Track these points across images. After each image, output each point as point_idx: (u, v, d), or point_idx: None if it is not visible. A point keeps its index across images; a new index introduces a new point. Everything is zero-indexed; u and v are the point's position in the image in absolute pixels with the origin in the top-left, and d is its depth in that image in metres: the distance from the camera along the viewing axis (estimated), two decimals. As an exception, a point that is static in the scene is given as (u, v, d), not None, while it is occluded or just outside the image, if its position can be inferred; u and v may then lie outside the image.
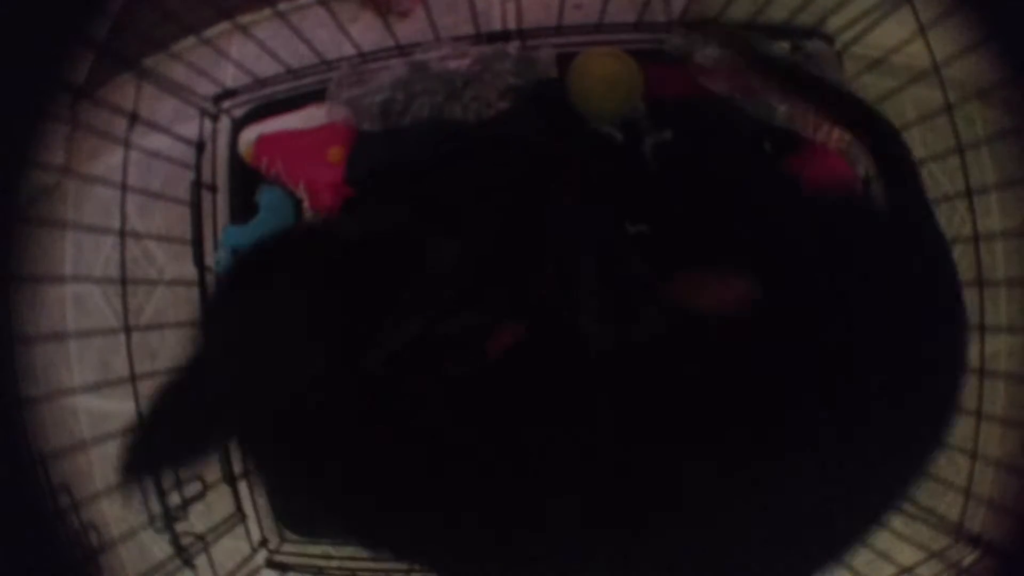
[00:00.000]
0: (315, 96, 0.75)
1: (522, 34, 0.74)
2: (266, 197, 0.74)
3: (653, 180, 0.72)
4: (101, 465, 0.67)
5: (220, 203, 0.75)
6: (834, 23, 0.73)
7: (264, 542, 0.73)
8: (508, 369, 0.49)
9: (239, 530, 0.70)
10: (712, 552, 0.47)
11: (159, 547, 0.61)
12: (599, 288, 0.54)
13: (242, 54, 0.74)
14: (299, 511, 0.74)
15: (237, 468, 0.71)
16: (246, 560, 0.69)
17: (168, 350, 0.75)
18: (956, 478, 0.64)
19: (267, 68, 0.73)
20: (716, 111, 0.73)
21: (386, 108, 0.71)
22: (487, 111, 0.71)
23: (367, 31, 0.74)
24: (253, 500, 0.73)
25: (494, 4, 0.76)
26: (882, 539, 0.63)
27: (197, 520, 0.64)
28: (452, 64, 0.71)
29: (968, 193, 0.65)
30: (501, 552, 0.48)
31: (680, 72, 0.74)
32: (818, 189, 0.58)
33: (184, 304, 0.73)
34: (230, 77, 0.75)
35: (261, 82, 0.74)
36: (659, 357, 0.49)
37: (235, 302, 0.50)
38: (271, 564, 0.71)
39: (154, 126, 0.65)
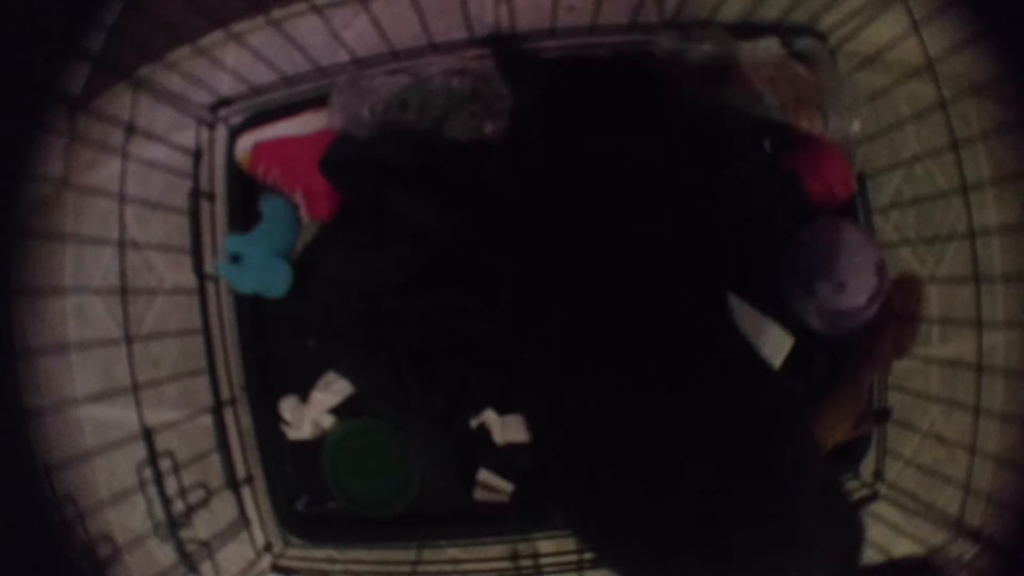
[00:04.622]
0: (310, 103, 0.75)
1: (516, 37, 0.74)
2: (269, 205, 0.75)
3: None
4: (106, 474, 0.68)
5: (218, 211, 0.75)
6: (827, 21, 0.73)
7: (268, 547, 0.73)
8: None
9: (243, 535, 0.70)
10: None
11: (164, 554, 0.62)
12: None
13: (237, 62, 0.74)
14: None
15: (240, 473, 0.72)
16: (251, 565, 0.70)
17: (169, 358, 0.75)
18: (955, 473, 0.64)
19: (262, 76, 0.73)
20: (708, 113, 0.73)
21: (383, 119, 0.72)
22: (484, 130, 0.71)
23: (361, 37, 0.74)
24: (257, 505, 0.74)
25: (487, 7, 0.76)
26: (882, 534, 0.63)
27: (202, 526, 0.65)
28: (454, 81, 0.72)
29: (964, 188, 0.65)
30: None
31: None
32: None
33: (184, 312, 0.73)
34: (226, 86, 0.75)
35: (256, 90, 0.74)
36: None
37: None
38: (276, 569, 0.72)
39: (151, 136, 0.65)
